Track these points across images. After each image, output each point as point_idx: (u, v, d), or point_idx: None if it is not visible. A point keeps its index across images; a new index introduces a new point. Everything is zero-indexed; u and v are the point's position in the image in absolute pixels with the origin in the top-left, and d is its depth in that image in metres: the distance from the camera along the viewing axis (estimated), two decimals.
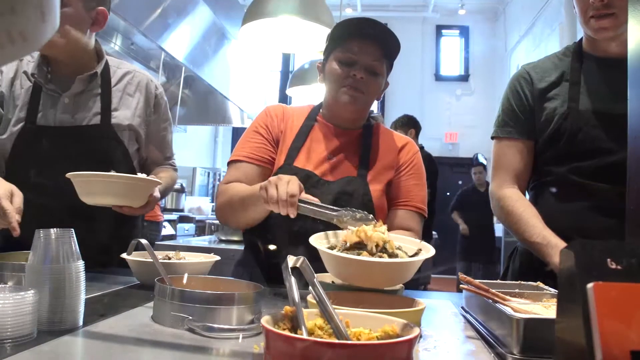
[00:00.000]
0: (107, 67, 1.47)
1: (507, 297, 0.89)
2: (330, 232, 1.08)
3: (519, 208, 1.32)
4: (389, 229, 1.39)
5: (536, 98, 1.38)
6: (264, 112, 1.45)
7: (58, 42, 1.31)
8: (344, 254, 0.91)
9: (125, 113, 1.46)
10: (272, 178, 1.10)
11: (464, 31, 8.91)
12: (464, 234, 5.56)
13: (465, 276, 0.94)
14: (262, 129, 1.40)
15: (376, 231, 0.96)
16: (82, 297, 0.78)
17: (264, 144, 1.38)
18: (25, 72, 1.42)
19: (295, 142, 1.38)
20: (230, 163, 1.40)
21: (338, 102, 1.35)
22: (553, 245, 1.21)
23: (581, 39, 1.42)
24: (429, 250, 1.00)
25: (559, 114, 1.32)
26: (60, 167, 1.23)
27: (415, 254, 0.99)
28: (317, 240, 1.02)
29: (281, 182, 1.07)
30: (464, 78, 8.80)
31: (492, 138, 1.45)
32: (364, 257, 0.91)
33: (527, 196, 1.44)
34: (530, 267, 1.37)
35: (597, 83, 1.33)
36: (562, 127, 1.31)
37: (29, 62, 1.44)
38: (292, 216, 1.06)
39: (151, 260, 0.98)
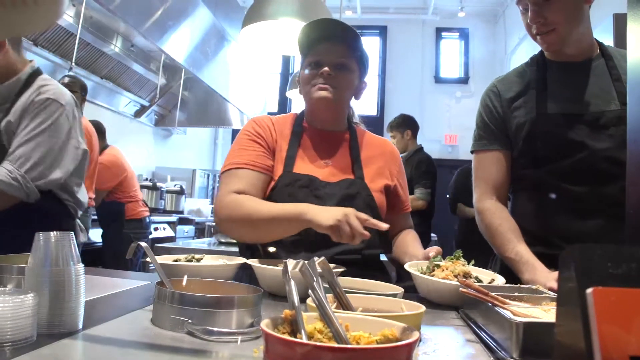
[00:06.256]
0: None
1: (507, 300, 0.89)
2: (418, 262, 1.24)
3: (495, 221, 1.35)
4: (392, 231, 1.47)
5: (505, 107, 1.42)
6: (254, 122, 1.42)
7: None
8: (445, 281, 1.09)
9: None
10: (339, 215, 1.10)
11: (464, 34, 8.91)
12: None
13: (464, 279, 0.94)
14: (258, 138, 1.38)
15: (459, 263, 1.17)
16: (82, 300, 0.78)
17: (263, 152, 1.37)
18: None
19: (290, 150, 1.38)
20: (228, 171, 1.34)
21: (312, 101, 1.38)
22: (525, 261, 1.24)
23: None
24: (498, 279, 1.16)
25: (528, 119, 1.36)
26: None
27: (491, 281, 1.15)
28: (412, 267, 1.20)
29: (351, 217, 1.09)
30: (464, 80, 8.79)
31: (472, 152, 1.50)
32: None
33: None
34: (510, 270, 1.39)
35: (562, 86, 1.37)
36: (533, 131, 1.35)
37: None
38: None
39: (171, 263, 0.98)
